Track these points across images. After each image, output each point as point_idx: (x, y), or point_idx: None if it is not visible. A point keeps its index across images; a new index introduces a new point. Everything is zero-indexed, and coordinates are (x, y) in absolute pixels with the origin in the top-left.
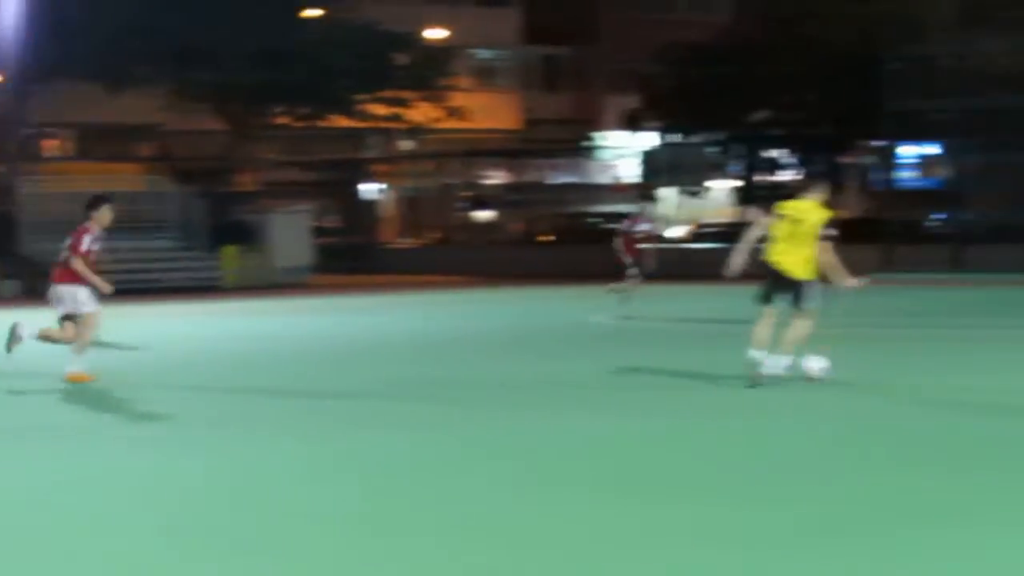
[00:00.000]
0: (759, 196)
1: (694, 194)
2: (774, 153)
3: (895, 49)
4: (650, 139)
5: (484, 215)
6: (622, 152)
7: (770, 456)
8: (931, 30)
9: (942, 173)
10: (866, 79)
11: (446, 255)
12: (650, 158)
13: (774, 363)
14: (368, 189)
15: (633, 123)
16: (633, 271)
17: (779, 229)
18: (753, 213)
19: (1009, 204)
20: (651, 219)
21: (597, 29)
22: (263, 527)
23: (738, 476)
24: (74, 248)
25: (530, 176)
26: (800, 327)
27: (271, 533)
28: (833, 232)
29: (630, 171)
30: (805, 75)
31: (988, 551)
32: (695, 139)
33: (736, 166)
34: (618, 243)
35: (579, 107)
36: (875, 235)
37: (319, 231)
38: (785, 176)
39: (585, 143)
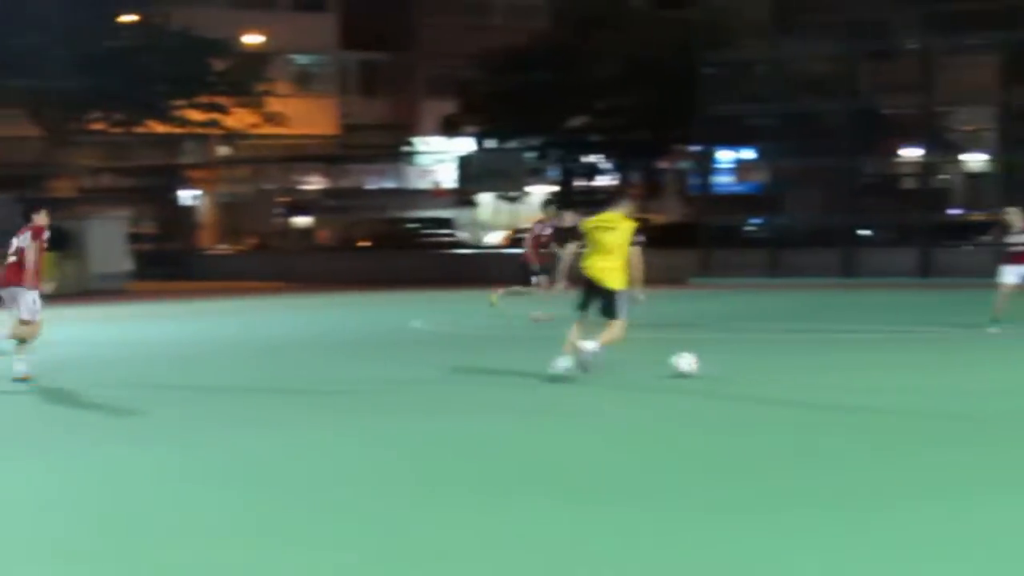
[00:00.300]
0: (577, 201)
1: (511, 199)
2: (592, 158)
3: (711, 54)
4: (468, 144)
5: (302, 221)
6: (441, 157)
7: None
8: (746, 35)
9: (759, 177)
10: (683, 84)
11: (264, 261)
12: (466, 163)
13: (587, 348)
14: (186, 195)
15: (451, 128)
16: (539, 275)
17: (591, 241)
18: (570, 218)
19: (824, 208)
20: (557, 223)
21: (415, 34)
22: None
23: (535, 476)
24: (37, 236)
25: (348, 182)
26: (615, 330)
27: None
28: (641, 239)
29: (449, 176)
30: (622, 80)
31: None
32: (513, 144)
33: (554, 171)
34: (526, 245)
35: (397, 112)
36: (693, 240)
37: (136, 237)
38: (603, 181)
39: (404, 148)
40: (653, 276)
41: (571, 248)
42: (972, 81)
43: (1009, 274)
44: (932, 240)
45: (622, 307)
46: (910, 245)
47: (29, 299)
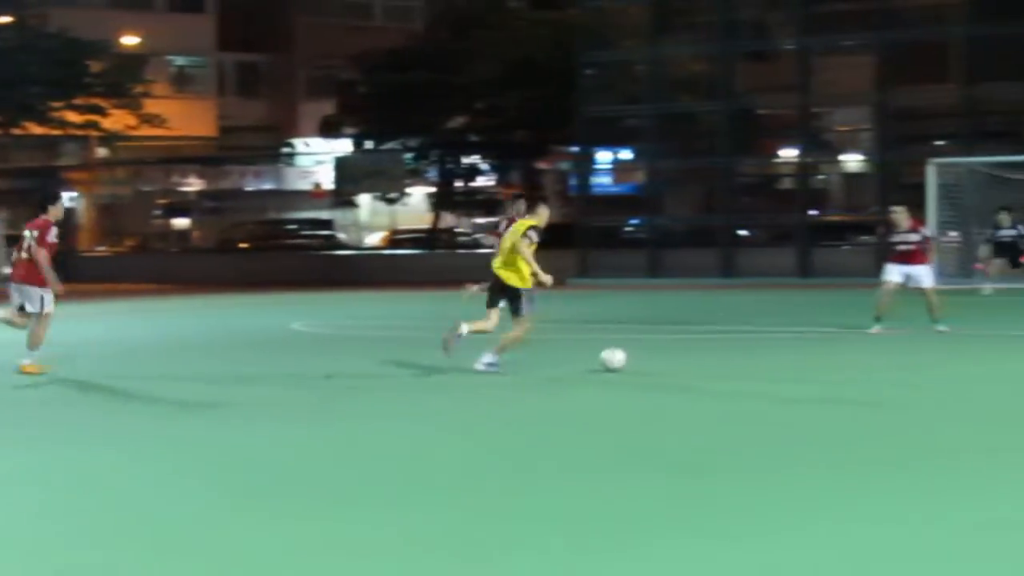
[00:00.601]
0: (456, 202)
1: (390, 201)
2: (471, 159)
3: (590, 55)
4: (347, 145)
5: (181, 222)
6: (320, 159)
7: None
8: (625, 36)
9: (637, 178)
10: (562, 85)
11: (143, 263)
12: (345, 164)
13: (483, 359)
14: (64, 197)
15: (330, 129)
16: None
17: (503, 244)
18: (451, 220)
19: (703, 209)
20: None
21: (292, 36)
22: None
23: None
24: (41, 240)
25: (227, 183)
26: (517, 331)
27: None
28: (533, 235)
29: (328, 177)
30: (500, 81)
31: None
32: (392, 145)
33: (433, 172)
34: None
35: (276, 114)
36: (572, 240)
37: (14, 240)
38: (482, 182)
39: (282, 150)
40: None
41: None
42: (848, 82)
43: (893, 272)
44: (811, 240)
45: (525, 305)
46: (789, 245)
47: (37, 296)
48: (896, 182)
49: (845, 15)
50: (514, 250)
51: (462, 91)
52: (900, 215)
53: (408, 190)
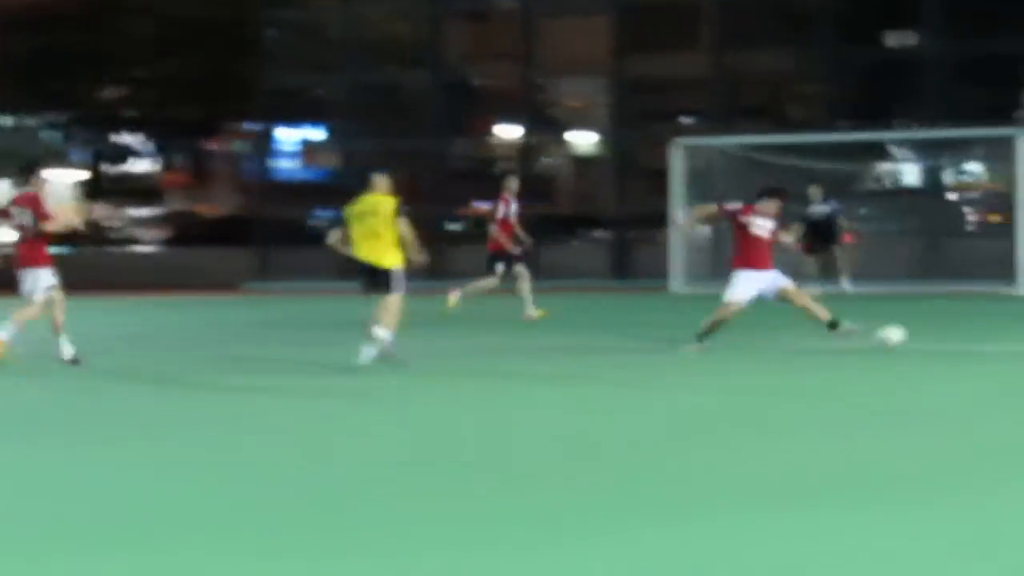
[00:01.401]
0: (110, 189)
1: (28, 187)
2: (128, 138)
3: (271, 13)
4: None
5: None
6: None
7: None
8: None
9: (329, 162)
10: (238, 50)
11: None
12: None
13: (384, 336)
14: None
15: None
16: (520, 262)
17: (356, 226)
18: (102, 211)
19: (406, 198)
20: (517, 198)
21: None
22: None
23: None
24: (43, 217)
25: None
26: (391, 308)
27: None
28: (407, 208)
29: None
30: (162, 44)
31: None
32: (30, 122)
33: (82, 154)
34: (494, 232)
35: None
36: (248, 236)
37: None
38: (142, 165)
39: None
40: (200, 280)
41: (335, 235)
42: (580, 49)
43: (746, 287)
44: (539, 236)
45: (398, 283)
46: None
47: (37, 277)
48: (635, 166)
49: None
50: (379, 233)
51: (116, 57)
52: (770, 206)
53: (48, 175)
